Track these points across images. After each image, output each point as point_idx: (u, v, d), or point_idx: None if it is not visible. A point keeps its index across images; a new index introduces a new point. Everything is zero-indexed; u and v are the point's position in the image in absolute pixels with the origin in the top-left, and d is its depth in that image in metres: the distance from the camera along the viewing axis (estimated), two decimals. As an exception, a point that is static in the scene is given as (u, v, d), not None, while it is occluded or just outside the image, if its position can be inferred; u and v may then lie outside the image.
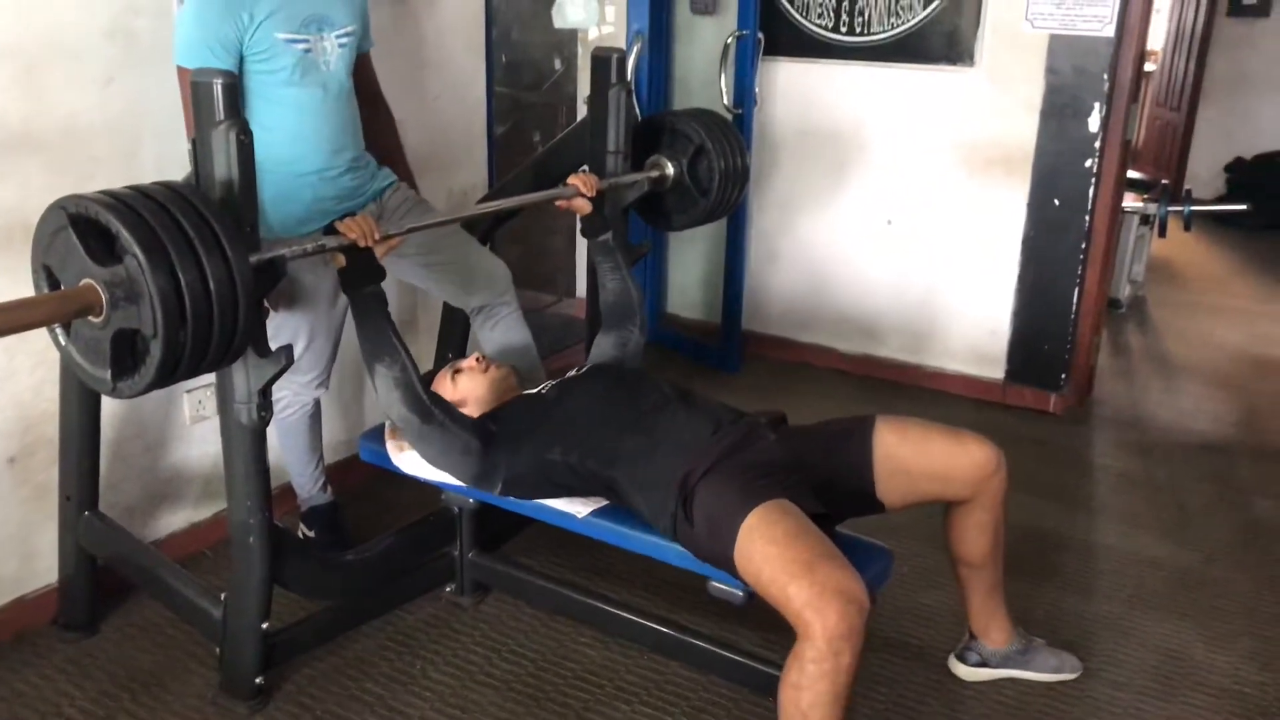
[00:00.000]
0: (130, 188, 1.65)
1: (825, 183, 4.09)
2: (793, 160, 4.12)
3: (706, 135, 2.65)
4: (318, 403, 2.65)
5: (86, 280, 1.61)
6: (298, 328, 2.43)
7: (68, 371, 2.24)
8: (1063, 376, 3.83)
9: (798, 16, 3.97)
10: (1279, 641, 2.51)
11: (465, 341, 2.88)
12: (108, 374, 1.67)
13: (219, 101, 1.72)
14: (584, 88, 4.03)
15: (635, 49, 3.91)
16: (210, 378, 2.51)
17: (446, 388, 2.27)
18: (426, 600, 2.55)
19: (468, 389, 2.27)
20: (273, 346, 2.36)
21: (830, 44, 3.94)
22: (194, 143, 1.77)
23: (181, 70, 2.14)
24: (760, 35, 3.83)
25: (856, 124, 3.97)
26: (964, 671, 2.33)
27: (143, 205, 1.59)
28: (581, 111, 3.93)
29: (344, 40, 2.32)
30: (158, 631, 2.42)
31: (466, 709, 2.21)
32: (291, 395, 2.56)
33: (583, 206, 2.42)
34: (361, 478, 2.99)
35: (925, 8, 3.73)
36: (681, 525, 1.93)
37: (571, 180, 2.41)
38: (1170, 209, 4.92)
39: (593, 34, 4.12)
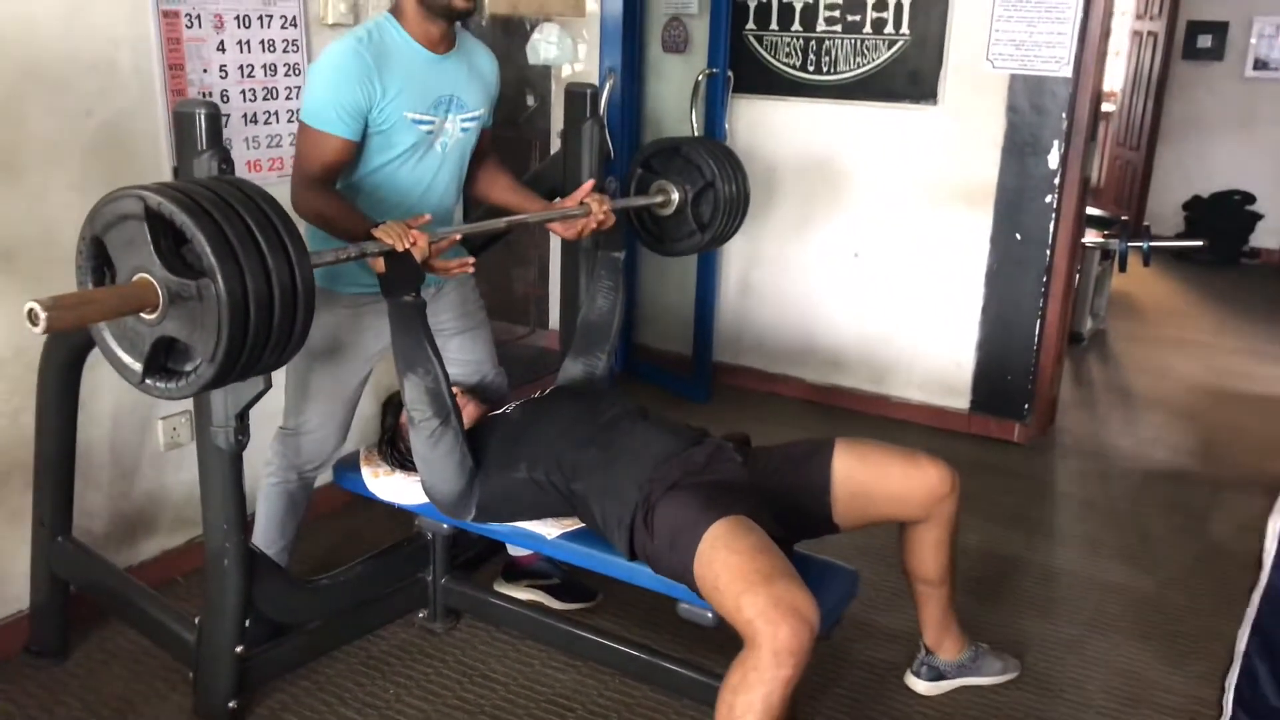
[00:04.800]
0: (212, 191, 1.59)
1: (794, 217, 4.18)
2: (762, 195, 4.19)
3: (717, 170, 2.65)
4: (308, 483, 2.47)
5: (143, 276, 1.56)
6: (317, 389, 2.34)
7: (44, 398, 2.25)
8: (1026, 407, 3.91)
9: (766, 56, 4.07)
10: (1234, 663, 2.57)
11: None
12: (139, 368, 1.64)
13: (201, 131, 1.76)
14: (557, 122, 4.11)
15: (608, 85, 3.99)
16: (185, 404, 2.55)
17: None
18: (399, 625, 2.57)
19: None
20: (290, 405, 2.37)
21: (798, 82, 4.03)
22: (175, 172, 1.81)
23: (304, 125, 2.10)
24: (730, 73, 3.92)
25: (824, 160, 4.06)
26: (924, 687, 2.38)
27: (222, 214, 1.54)
28: (554, 146, 4.01)
29: (468, 125, 2.29)
30: (130, 657, 2.43)
31: (439, 733, 2.23)
32: (281, 463, 2.41)
33: (609, 220, 2.41)
34: (336, 503, 3.01)
35: (889, 48, 3.84)
36: (640, 535, 1.97)
37: (586, 199, 2.39)
38: (1130, 244, 5.06)
39: (565, 71, 4.20)
